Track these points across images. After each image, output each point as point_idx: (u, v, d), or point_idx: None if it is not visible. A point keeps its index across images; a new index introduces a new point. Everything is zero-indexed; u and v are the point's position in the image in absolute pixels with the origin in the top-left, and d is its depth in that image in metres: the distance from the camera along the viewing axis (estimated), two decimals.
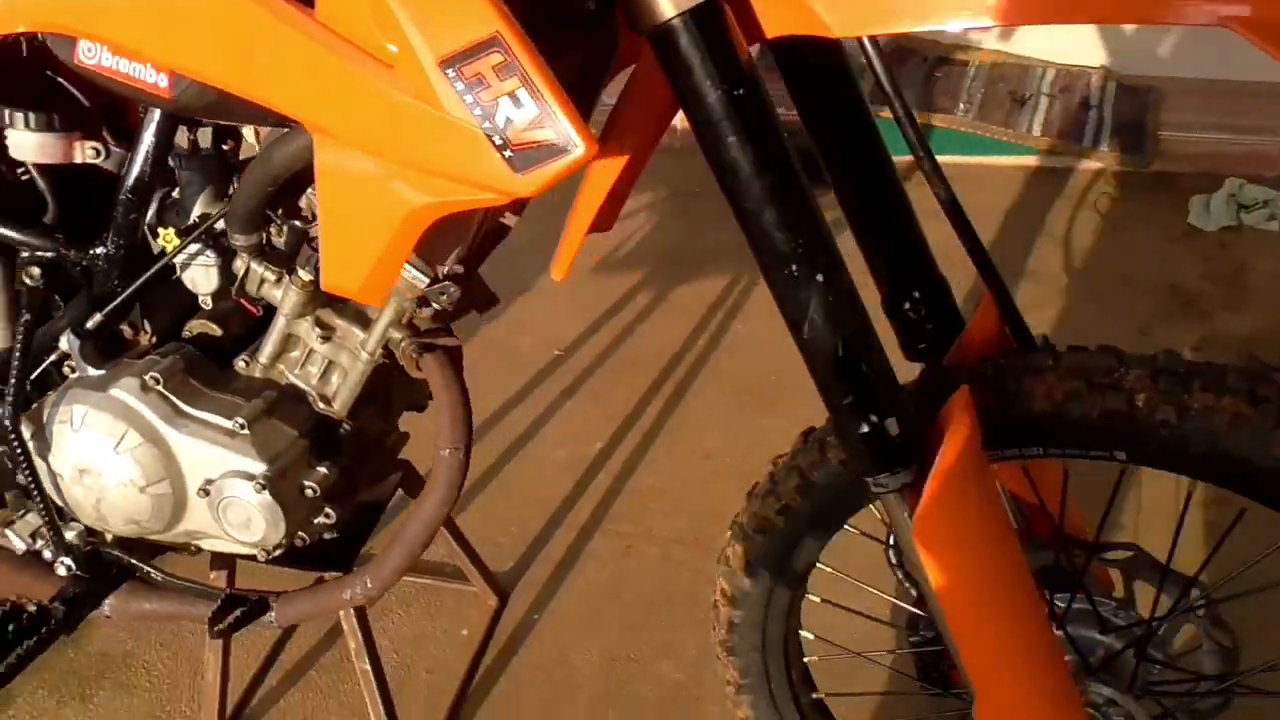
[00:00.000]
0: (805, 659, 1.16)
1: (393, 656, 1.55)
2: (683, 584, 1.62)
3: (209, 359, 1.08)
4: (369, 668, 1.29)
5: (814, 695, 1.17)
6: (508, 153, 0.69)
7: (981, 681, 0.89)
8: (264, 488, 1.00)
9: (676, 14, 0.72)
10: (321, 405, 1.08)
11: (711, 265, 2.37)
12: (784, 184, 0.78)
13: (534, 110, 0.68)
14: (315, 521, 1.08)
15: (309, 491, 1.05)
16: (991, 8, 0.70)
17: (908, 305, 1.01)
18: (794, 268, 0.79)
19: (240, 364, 1.08)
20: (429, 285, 0.94)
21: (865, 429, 0.82)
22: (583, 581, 1.65)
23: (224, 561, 1.26)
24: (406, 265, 0.95)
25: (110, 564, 1.12)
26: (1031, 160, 2.67)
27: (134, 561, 1.13)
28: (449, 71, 0.68)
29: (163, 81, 0.86)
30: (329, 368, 1.07)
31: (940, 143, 2.67)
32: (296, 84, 0.75)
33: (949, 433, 0.81)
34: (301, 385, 1.07)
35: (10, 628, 1.01)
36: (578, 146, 0.68)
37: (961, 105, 2.70)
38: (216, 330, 1.10)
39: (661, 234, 2.52)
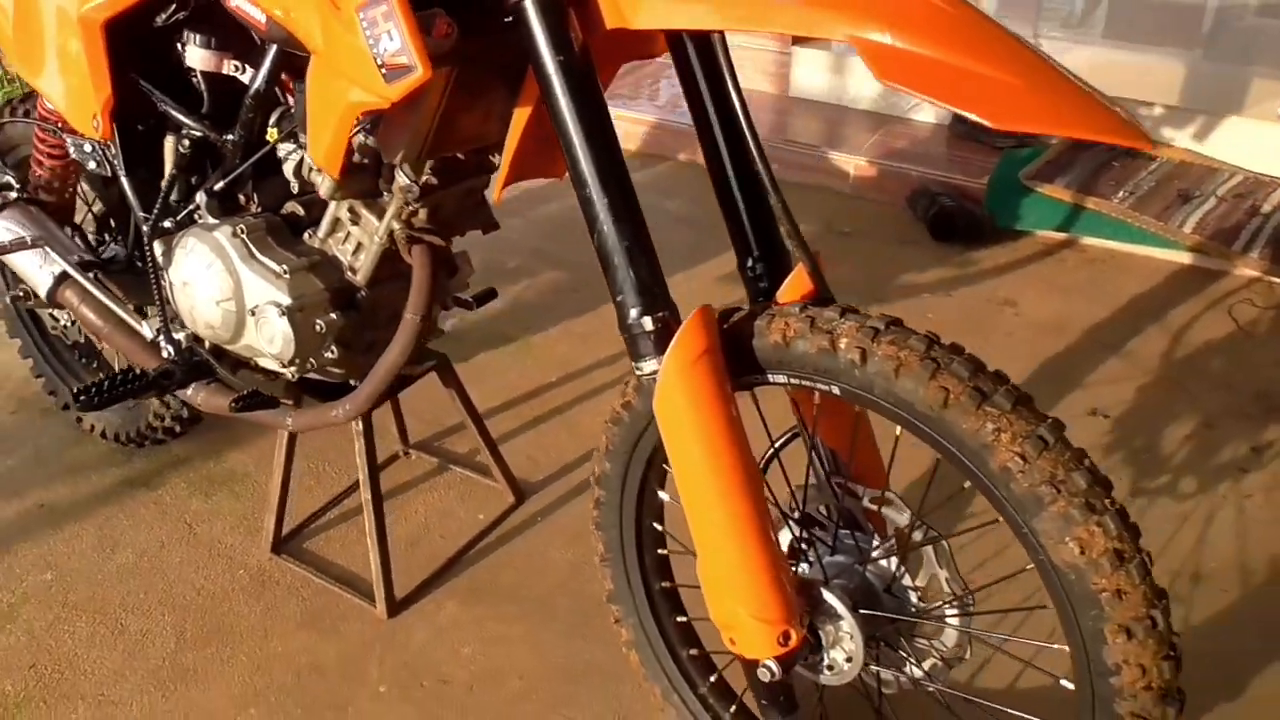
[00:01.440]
0: (660, 551, 1.41)
1: (421, 520, 1.94)
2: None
3: (289, 229, 1.52)
4: (370, 496, 1.67)
5: (664, 584, 1.42)
6: (383, 70, 1.06)
7: (700, 545, 1.13)
8: (284, 315, 1.42)
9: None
10: (349, 274, 1.48)
11: None
12: (592, 127, 1.07)
13: (398, 44, 1.04)
14: (323, 354, 1.48)
15: (318, 328, 1.45)
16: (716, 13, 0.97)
17: (750, 264, 1.25)
18: (590, 189, 1.08)
19: (307, 235, 1.51)
20: (406, 185, 1.32)
21: (629, 321, 1.10)
22: (589, 505, 1.95)
23: (293, 390, 1.70)
24: (398, 171, 1.35)
25: (202, 363, 1.58)
26: (1185, 258, 2.67)
27: (218, 366, 1.58)
28: (360, 15, 1.06)
29: (262, 19, 1.30)
30: (358, 247, 1.47)
31: (1090, 225, 2.74)
32: (303, 18, 1.16)
33: (678, 335, 1.07)
34: (340, 257, 1.49)
35: (119, 378, 1.48)
36: (418, 69, 1.03)
37: (1122, 193, 2.74)
38: (301, 212, 1.53)
39: None
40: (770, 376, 1.13)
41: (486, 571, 1.83)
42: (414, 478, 2.05)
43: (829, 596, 1.17)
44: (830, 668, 1.20)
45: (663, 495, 1.36)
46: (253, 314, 1.46)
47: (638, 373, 1.12)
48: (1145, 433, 2.10)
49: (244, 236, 1.46)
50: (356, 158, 1.34)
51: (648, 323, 1.09)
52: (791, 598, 1.13)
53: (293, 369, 1.48)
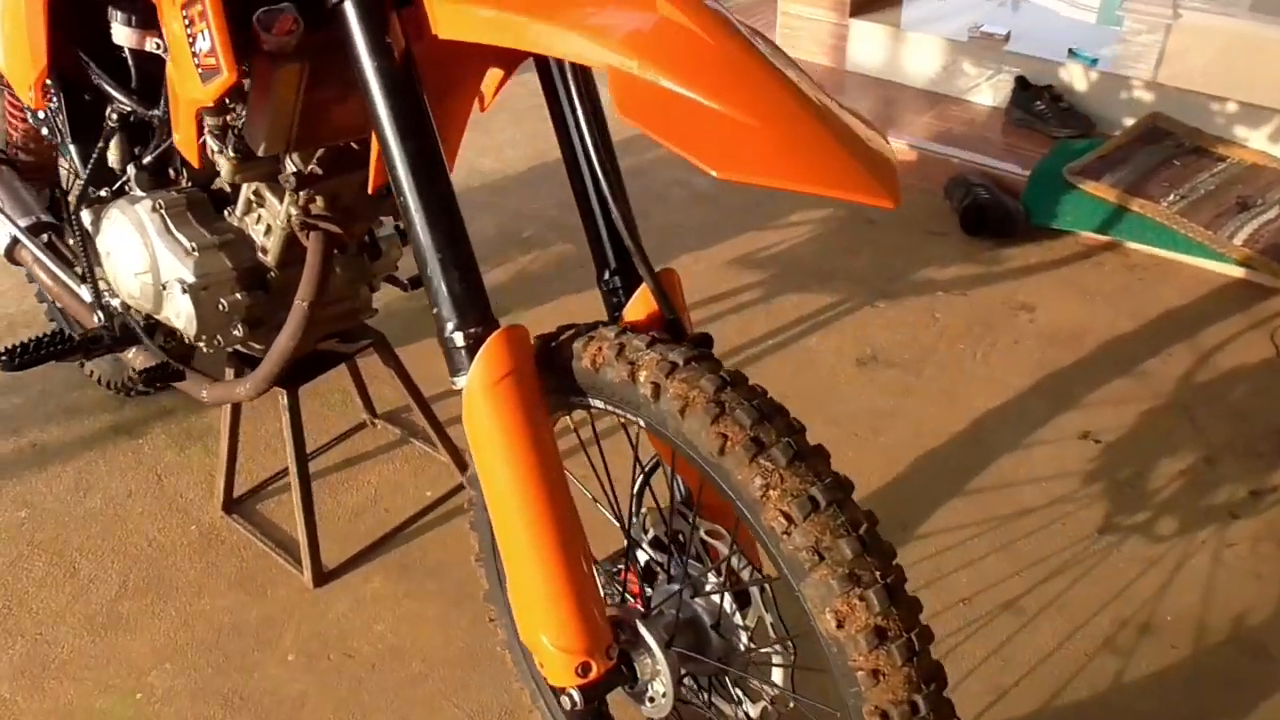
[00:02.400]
0: None
1: (371, 491, 1.97)
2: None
3: (213, 206, 1.55)
4: (296, 471, 1.71)
5: None
6: (199, 70, 1.05)
7: (507, 568, 1.10)
8: (186, 292, 1.45)
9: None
10: (261, 254, 1.50)
11: (831, 284, 2.51)
12: (409, 133, 1.04)
13: (209, 45, 1.03)
14: (230, 332, 1.51)
15: (221, 306, 1.47)
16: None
17: (606, 278, 1.21)
18: (406, 196, 1.06)
19: (227, 213, 1.53)
20: (286, 174, 1.33)
21: (444, 335, 1.07)
22: None
23: (234, 360, 1.73)
24: (287, 159, 1.35)
25: (132, 330, 1.63)
26: (1238, 272, 2.45)
27: (143, 335, 1.63)
28: (183, 12, 1.05)
29: None
30: (268, 228, 1.48)
31: (1135, 229, 2.55)
32: (163, 10, 1.17)
33: (478, 357, 1.04)
34: (254, 236, 1.51)
35: (44, 340, 1.55)
36: (224, 72, 1.02)
37: (1173, 196, 2.54)
38: (227, 189, 1.56)
39: (812, 245, 2.68)
40: (591, 401, 1.10)
41: (419, 549, 1.85)
42: (375, 448, 2.08)
43: (643, 630, 1.13)
44: (651, 700, 1.17)
45: None
46: (163, 287, 1.50)
47: (454, 387, 1.09)
48: (1136, 462, 1.96)
49: (162, 211, 1.49)
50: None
51: (459, 338, 1.07)
52: (598, 628, 1.10)
53: (201, 344, 1.52)
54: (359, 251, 1.57)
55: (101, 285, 1.66)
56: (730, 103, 0.79)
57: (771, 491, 0.92)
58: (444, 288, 1.07)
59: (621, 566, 1.25)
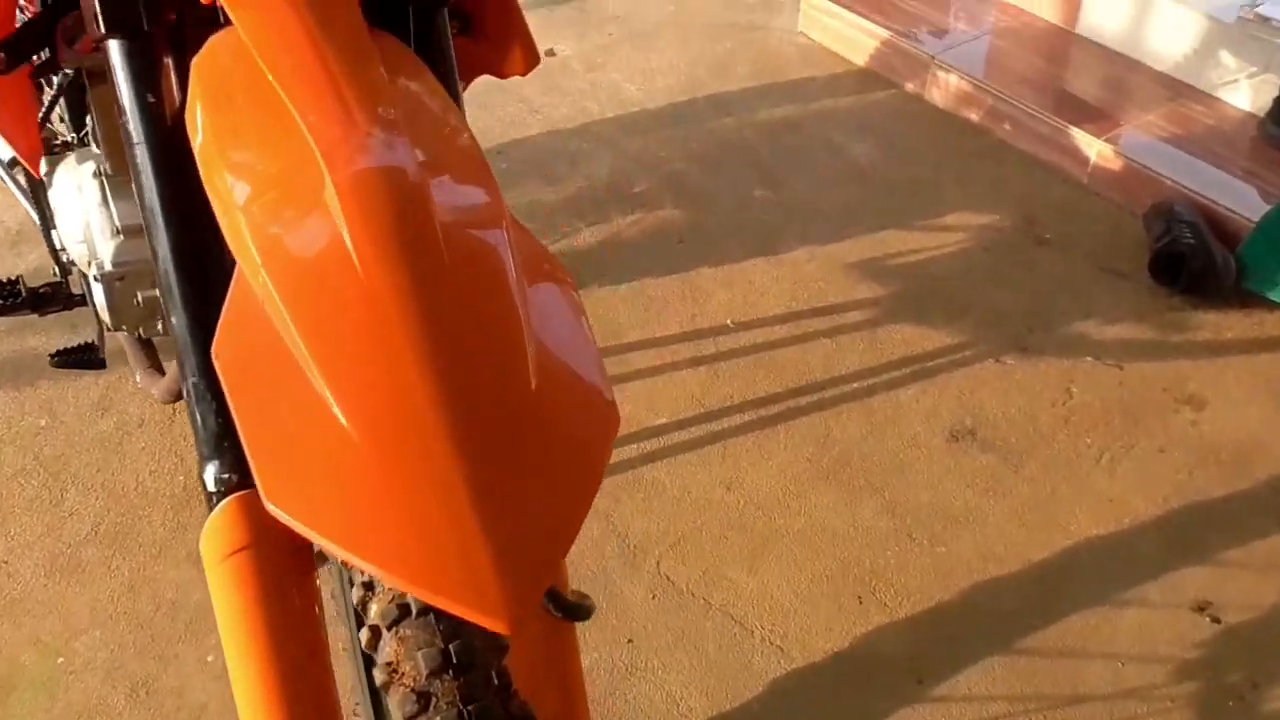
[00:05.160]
0: None
1: None
2: None
3: None
4: None
5: None
6: None
7: None
8: (99, 280, 1.29)
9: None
10: None
11: (960, 321, 2.09)
12: (176, 221, 0.82)
13: None
14: (152, 325, 1.35)
15: (137, 301, 1.31)
16: None
17: None
18: (167, 298, 0.83)
19: None
20: None
21: (199, 473, 0.86)
22: None
23: None
24: None
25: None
26: None
27: (93, 303, 1.49)
28: None
29: None
30: None
31: None
32: None
33: (205, 525, 0.83)
34: None
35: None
36: None
37: None
38: None
39: (957, 262, 2.24)
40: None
41: None
42: None
43: None
44: None
45: None
46: (89, 265, 1.35)
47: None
48: (1258, 665, 1.52)
49: (102, 177, 1.33)
50: None
51: (209, 481, 0.85)
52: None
53: (123, 330, 1.37)
54: None
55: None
56: (334, 371, 0.50)
57: None
58: (199, 417, 0.85)
59: None
